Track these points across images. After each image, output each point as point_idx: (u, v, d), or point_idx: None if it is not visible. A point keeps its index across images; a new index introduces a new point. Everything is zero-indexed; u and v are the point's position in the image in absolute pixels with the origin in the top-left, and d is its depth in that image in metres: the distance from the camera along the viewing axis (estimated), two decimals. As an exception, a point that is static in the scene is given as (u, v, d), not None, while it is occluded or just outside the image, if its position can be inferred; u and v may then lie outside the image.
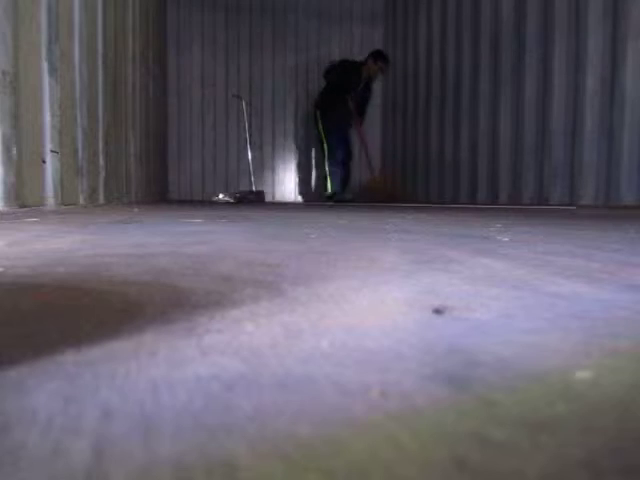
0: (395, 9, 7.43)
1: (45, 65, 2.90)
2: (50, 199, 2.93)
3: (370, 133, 7.49)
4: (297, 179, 7.81)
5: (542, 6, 4.87)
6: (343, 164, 6.77)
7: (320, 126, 6.75)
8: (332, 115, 6.70)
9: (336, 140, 6.69)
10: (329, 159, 6.73)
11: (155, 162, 6.01)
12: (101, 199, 3.79)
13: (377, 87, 7.22)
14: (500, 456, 0.28)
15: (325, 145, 6.75)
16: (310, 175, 7.78)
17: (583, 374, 0.39)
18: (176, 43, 7.29)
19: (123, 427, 0.31)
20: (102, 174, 3.84)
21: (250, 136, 7.00)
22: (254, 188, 6.73)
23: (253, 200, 6.15)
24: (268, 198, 7.17)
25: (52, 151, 2.94)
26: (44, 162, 2.87)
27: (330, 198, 6.59)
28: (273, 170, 7.71)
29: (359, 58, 6.83)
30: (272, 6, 7.58)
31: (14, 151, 2.53)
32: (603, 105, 4.34)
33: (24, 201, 2.64)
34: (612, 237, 1.57)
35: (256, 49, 7.56)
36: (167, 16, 7.13)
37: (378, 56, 6.70)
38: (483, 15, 5.63)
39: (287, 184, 7.77)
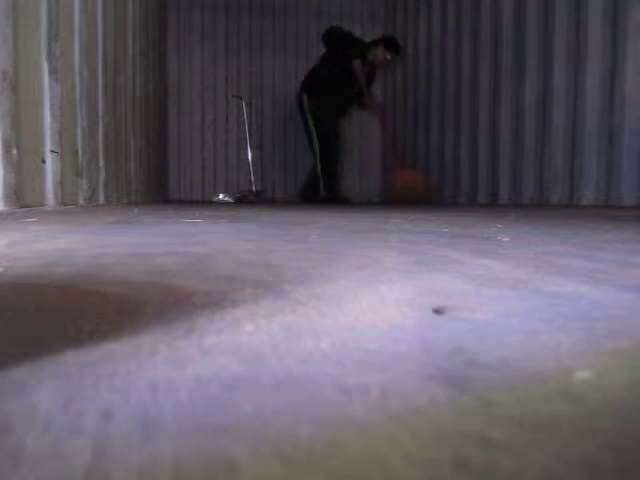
0: (395, 9, 7.43)
1: (45, 65, 2.90)
2: (50, 199, 2.93)
3: (370, 134, 7.47)
4: (297, 179, 7.80)
5: (542, 6, 4.87)
6: (336, 163, 6.00)
7: (309, 117, 5.76)
8: (324, 101, 5.69)
9: (327, 135, 5.78)
10: (321, 159, 5.83)
11: (155, 162, 6.01)
12: (101, 199, 3.79)
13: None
14: (500, 456, 0.28)
15: (316, 143, 5.80)
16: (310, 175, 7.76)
17: (583, 374, 0.39)
18: (176, 43, 7.28)
19: (123, 427, 0.31)
20: (102, 174, 3.83)
21: (250, 136, 7.00)
22: (254, 188, 6.72)
23: (253, 200, 6.14)
24: (268, 198, 7.17)
25: (52, 151, 2.94)
26: (44, 162, 2.87)
27: (325, 198, 5.88)
28: (273, 170, 7.70)
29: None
30: (272, 6, 7.57)
31: (14, 151, 2.53)
32: (603, 105, 4.34)
33: (24, 201, 2.64)
34: (612, 237, 1.57)
35: (256, 49, 7.56)
36: (167, 16, 7.13)
37: (390, 45, 5.75)
38: (483, 15, 5.63)
39: (287, 184, 7.76)
